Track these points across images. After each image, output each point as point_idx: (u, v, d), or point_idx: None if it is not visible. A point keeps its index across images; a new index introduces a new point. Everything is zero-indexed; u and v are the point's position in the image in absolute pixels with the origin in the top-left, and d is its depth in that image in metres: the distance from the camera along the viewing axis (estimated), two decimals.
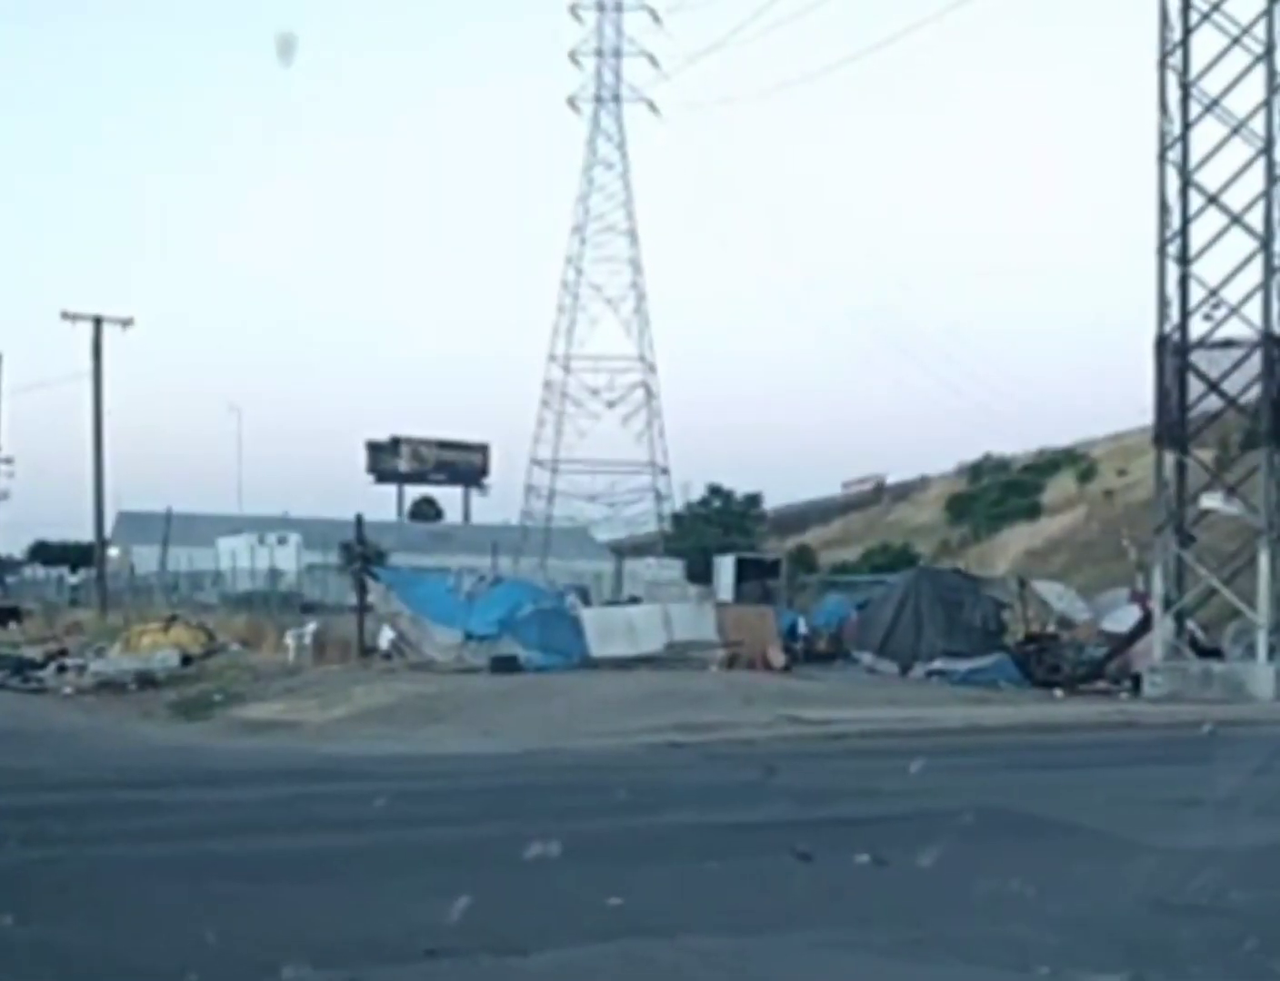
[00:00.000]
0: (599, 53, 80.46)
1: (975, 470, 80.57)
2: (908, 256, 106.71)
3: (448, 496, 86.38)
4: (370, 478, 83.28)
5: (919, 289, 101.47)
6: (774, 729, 19.93)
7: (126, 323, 44.10)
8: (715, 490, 72.95)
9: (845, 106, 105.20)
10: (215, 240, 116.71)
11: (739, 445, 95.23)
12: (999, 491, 70.88)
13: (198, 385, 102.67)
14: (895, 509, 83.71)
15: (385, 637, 26.83)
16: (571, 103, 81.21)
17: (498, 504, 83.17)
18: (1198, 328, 25.73)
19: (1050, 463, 74.76)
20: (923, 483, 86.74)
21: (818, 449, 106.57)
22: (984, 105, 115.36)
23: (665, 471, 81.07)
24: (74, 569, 57.90)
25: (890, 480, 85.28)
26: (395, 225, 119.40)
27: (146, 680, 26.38)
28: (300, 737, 19.66)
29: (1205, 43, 25.79)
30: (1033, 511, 66.92)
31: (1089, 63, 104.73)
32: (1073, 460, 73.26)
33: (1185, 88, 25.71)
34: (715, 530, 67.88)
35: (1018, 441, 79.92)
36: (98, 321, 43.46)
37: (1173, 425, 25.44)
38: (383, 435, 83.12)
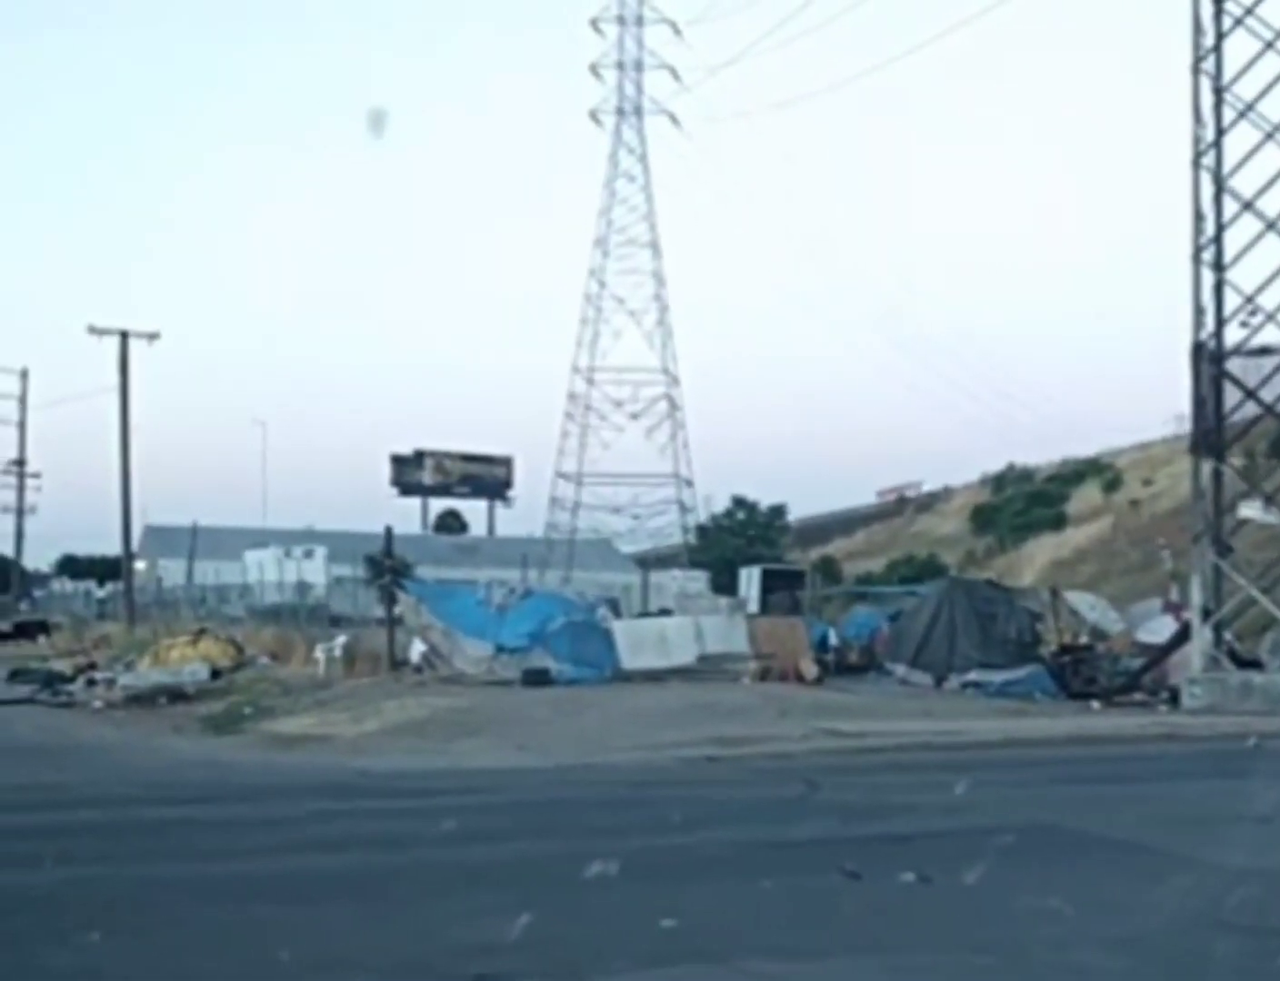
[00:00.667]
0: (620, 66, 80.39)
1: (999, 480, 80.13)
2: (931, 266, 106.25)
3: (472, 509, 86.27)
4: (394, 491, 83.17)
5: (942, 298, 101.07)
6: (811, 742, 19.63)
7: (153, 337, 44.05)
8: (739, 501, 72.65)
9: (867, 116, 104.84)
10: (240, 254, 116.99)
11: (762, 456, 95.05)
12: (1024, 502, 70.47)
13: (222, 399, 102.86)
14: (918, 520, 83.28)
15: (416, 650, 26.58)
16: (593, 116, 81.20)
17: (522, 516, 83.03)
18: (1233, 335, 25.38)
19: (1075, 472, 74.32)
20: (946, 493, 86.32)
21: (840, 460, 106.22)
22: (1010, 113, 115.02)
23: (689, 483, 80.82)
24: (101, 582, 57.87)
25: (920, 489, 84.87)
26: (418, 239, 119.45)
27: (176, 694, 26.18)
28: (333, 752, 19.41)
29: (1238, 48, 25.47)
30: (1058, 522, 66.50)
31: (1120, 70, 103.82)
32: (1098, 470, 72.80)
33: (1219, 93, 25.36)
34: (739, 541, 67.59)
35: (1041, 451, 79.50)
36: (124, 336, 43.38)
37: (1209, 433, 25.06)
38: (407, 448, 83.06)
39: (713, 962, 7.88)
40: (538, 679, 24.62)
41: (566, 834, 12.01)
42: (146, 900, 9.44)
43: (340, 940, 8.46)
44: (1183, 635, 25.76)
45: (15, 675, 31.24)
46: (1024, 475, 78.43)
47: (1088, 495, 68.77)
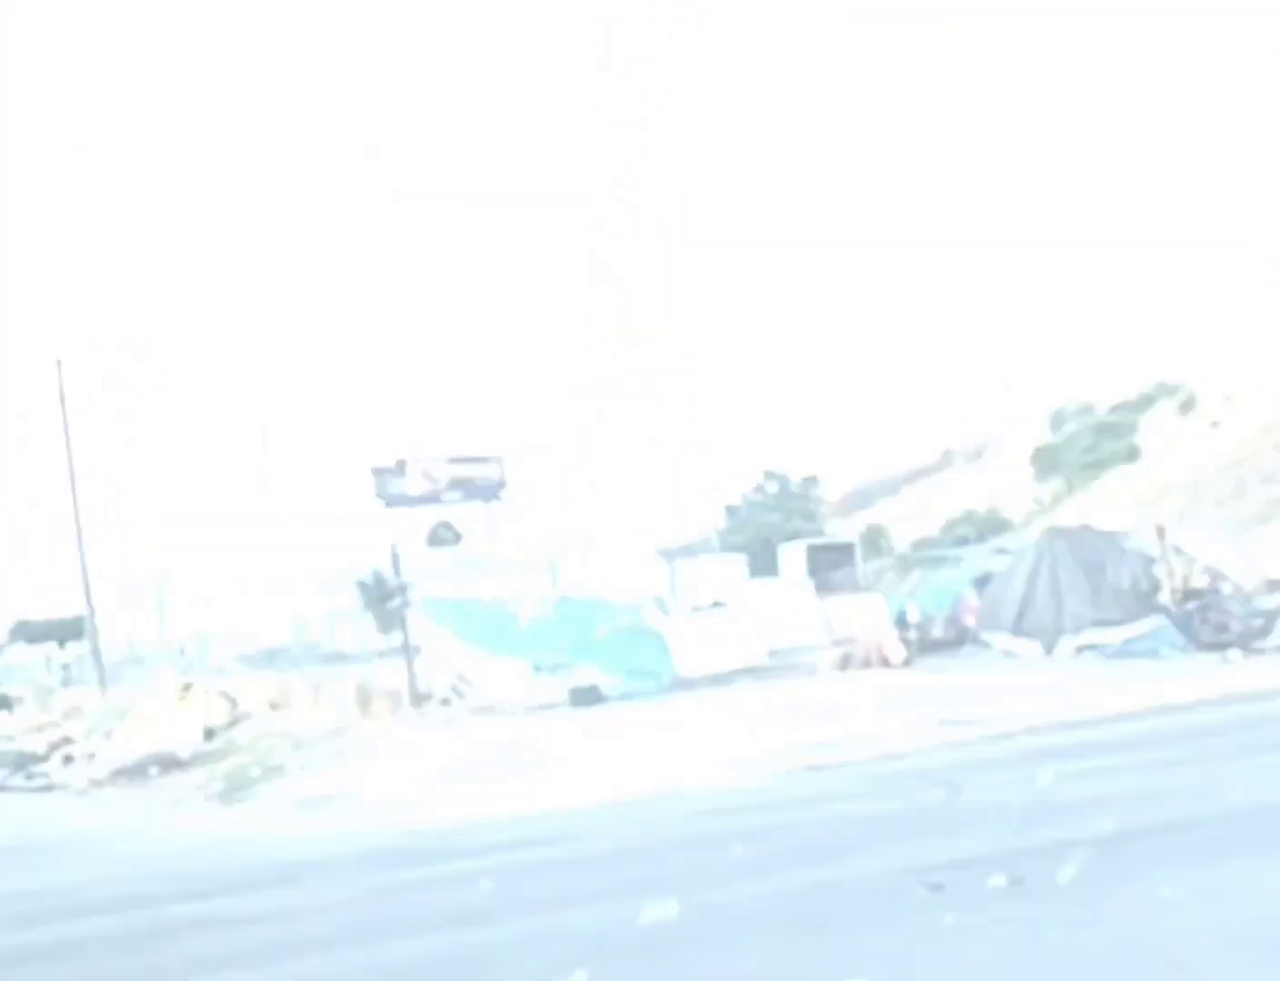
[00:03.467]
0: None
1: (1057, 417, 79.05)
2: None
3: (466, 516, 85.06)
4: (379, 504, 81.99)
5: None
6: (922, 736, 18.65)
7: None
8: (768, 475, 71.55)
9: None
10: None
11: (789, 425, 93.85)
12: (1090, 437, 69.41)
13: None
14: (968, 472, 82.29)
15: (442, 680, 25.56)
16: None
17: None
18: None
19: (1143, 398, 73.19)
20: (997, 438, 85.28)
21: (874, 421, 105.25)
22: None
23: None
24: (62, 645, 56.83)
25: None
26: None
27: (168, 762, 25.22)
28: (366, 811, 18.38)
29: None
30: (1130, 454, 65.51)
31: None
32: (1168, 392, 71.67)
33: None
34: (775, 517, 66.52)
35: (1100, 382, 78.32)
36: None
37: None
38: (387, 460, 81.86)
39: None
40: (587, 698, 23.59)
41: (682, 882, 10.97)
42: None
43: None
44: None
45: None
46: (1084, 408, 77.37)
47: (1161, 421, 67.74)
